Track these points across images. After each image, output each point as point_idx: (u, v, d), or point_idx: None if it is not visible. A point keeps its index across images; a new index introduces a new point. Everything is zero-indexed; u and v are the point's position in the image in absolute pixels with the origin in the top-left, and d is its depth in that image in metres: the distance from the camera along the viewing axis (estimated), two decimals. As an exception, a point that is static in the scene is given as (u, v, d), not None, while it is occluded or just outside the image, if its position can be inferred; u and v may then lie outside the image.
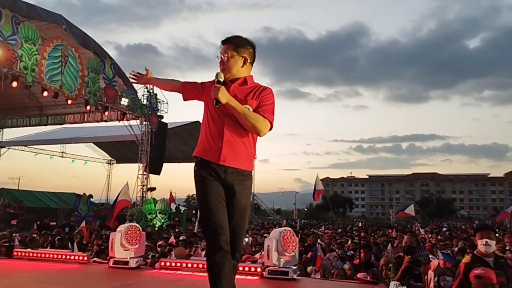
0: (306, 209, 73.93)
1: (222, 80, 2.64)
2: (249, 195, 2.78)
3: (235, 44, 2.74)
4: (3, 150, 26.48)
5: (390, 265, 5.15)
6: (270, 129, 2.70)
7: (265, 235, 10.80)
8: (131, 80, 3.19)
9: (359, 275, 4.88)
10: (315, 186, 15.58)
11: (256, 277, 4.71)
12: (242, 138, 2.69)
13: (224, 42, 2.77)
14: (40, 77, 14.72)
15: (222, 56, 2.73)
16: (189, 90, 2.92)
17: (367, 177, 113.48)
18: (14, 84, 14.48)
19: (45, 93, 15.72)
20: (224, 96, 2.56)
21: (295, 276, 4.65)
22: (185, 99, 2.99)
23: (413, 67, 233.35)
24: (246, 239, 9.49)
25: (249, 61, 2.78)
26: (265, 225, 21.80)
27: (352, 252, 8.76)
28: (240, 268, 4.93)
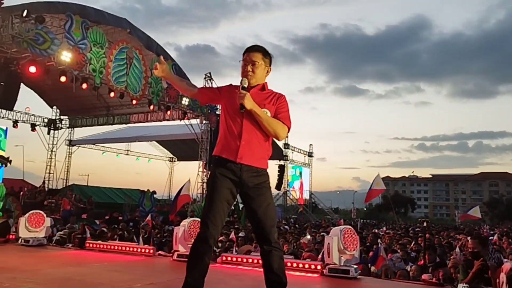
0: (365, 209, 72.25)
1: (246, 86, 2.85)
2: (269, 190, 2.98)
3: (263, 53, 2.96)
4: (74, 148, 28.19)
5: (459, 267, 4.93)
6: (288, 132, 2.98)
7: (322, 233, 10.71)
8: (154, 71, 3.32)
9: (424, 276, 4.71)
10: (371, 186, 14.95)
11: (316, 275, 4.69)
12: (259, 138, 2.89)
13: (252, 49, 2.96)
14: (107, 78, 15.53)
15: (252, 63, 2.91)
16: (207, 96, 3.20)
17: (430, 176, 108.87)
18: (84, 85, 15.41)
19: (112, 94, 16.64)
20: (249, 102, 2.77)
21: (356, 275, 4.58)
22: (202, 103, 3.39)
23: (480, 61, 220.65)
24: (308, 237, 9.45)
25: (269, 70, 3.02)
26: (323, 224, 21.59)
27: (415, 253, 8.47)
28: (300, 265, 4.94)
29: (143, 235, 10.01)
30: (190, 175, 21.38)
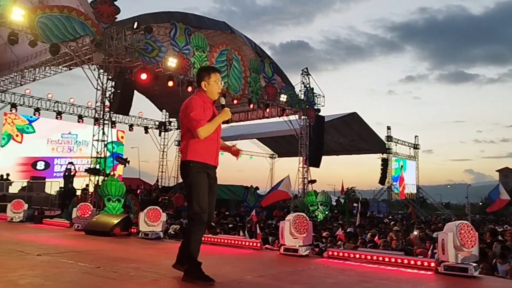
0: (480, 203, 66.54)
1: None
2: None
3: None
4: (182, 148, 30.03)
5: None
6: None
7: (433, 230, 10.12)
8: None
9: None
10: (497, 195, 13.03)
11: (430, 272, 4.44)
12: None
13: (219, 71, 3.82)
14: (209, 81, 16.27)
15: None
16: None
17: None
18: (189, 89, 16.32)
19: (214, 95, 17.42)
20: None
21: (475, 274, 4.25)
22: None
23: None
24: (415, 233, 9.00)
25: None
26: (433, 220, 20.34)
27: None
28: (412, 262, 4.72)
29: (248, 229, 10.34)
30: (290, 171, 21.54)
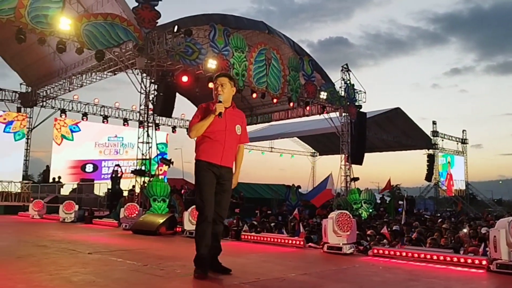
0: (536, 199, 63.08)
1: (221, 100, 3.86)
2: None
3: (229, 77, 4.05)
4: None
5: None
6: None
7: (484, 227, 9.71)
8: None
9: None
10: None
11: (481, 270, 4.27)
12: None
13: (220, 75, 4.07)
14: (249, 80, 16.38)
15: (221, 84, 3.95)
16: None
17: None
18: (229, 89, 16.49)
19: (254, 95, 17.57)
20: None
21: (532, 273, 4.03)
22: None
23: None
24: (465, 230, 8.67)
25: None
26: (484, 217, 19.50)
27: None
28: (462, 260, 4.56)
29: (291, 227, 10.32)
30: (332, 169, 21.31)
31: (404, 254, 4.95)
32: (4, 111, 20.44)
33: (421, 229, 9.05)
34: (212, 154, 3.79)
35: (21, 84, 21.58)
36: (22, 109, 21.37)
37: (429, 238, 7.30)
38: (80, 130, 23.04)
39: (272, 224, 11.07)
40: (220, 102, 3.76)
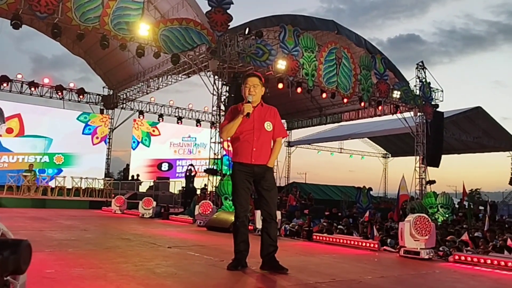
0: None
1: (251, 100, 3.88)
2: None
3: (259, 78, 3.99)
4: (292, 148, 30.38)
5: None
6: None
7: None
8: None
9: None
10: None
11: None
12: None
13: (250, 75, 4.01)
14: (319, 80, 16.25)
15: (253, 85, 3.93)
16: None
17: None
18: (299, 90, 16.49)
19: (324, 95, 17.38)
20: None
21: None
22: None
23: None
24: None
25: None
26: None
27: None
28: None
29: (362, 230, 10.09)
30: (406, 171, 20.47)
31: (489, 261, 4.66)
32: (88, 114, 22.05)
33: (507, 236, 8.44)
34: (242, 155, 3.86)
35: (103, 87, 23.18)
36: (105, 111, 22.92)
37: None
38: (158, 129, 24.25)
39: (342, 226, 10.89)
40: (249, 102, 3.80)
